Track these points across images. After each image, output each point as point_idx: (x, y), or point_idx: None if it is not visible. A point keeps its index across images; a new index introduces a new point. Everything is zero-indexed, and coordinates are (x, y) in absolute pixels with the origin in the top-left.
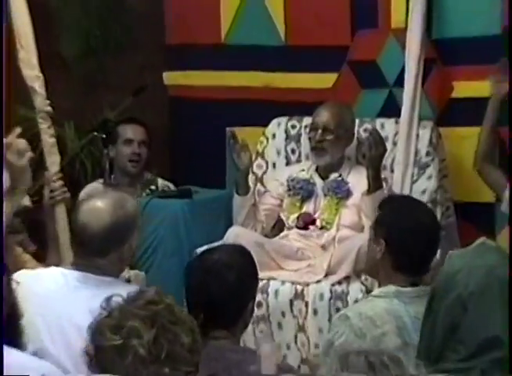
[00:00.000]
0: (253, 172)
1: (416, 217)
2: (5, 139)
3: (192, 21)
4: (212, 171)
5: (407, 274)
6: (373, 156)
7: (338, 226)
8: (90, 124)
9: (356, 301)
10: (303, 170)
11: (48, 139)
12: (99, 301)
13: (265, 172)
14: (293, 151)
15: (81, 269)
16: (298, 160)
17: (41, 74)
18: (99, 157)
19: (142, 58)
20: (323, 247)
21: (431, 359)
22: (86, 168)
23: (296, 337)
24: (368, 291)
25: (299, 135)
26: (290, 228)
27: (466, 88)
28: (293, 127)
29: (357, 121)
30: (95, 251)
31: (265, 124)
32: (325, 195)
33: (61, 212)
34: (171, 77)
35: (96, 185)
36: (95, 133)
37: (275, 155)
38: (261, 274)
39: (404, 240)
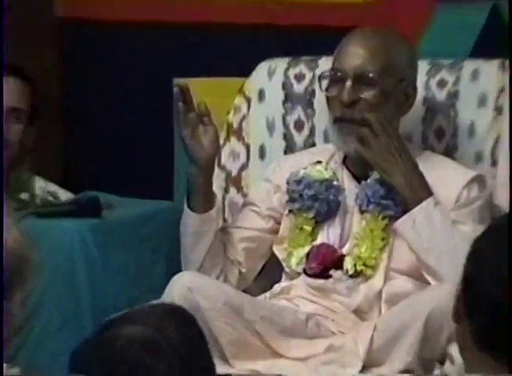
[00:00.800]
0: (220, 167)
1: None
2: None
3: None
4: (144, 167)
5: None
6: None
7: (387, 272)
8: None
9: None
10: (318, 162)
11: None
12: None
13: (244, 167)
14: (298, 126)
15: None
16: (309, 144)
17: None
18: None
19: None
20: (358, 314)
21: None
22: None
23: None
24: None
25: (310, 92)
26: (292, 275)
27: None
28: (300, 77)
29: (424, 64)
30: None
31: (245, 73)
32: (361, 211)
33: None
34: None
35: None
36: None
37: (265, 133)
38: (235, 368)
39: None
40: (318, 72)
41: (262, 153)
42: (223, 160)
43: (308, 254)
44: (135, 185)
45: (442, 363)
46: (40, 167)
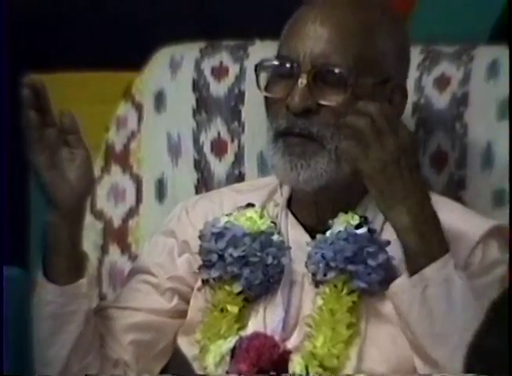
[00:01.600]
0: (95, 213)
1: None
2: None
3: None
4: None
5: None
6: (376, 163)
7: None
8: None
9: None
10: (250, 206)
11: None
12: None
13: (132, 213)
14: (218, 148)
15: None
16: (234, 177)
17: None
18: None
19: None
20: None
21: None
22: None
23: None
24: None
25: (237, 96)
26: None
27: None
28: (220, 72)
29: (415, 52)
30: None
31: (133, 65)
32: (316, 282)
33: None
34: None
35: None
36: None
37: (165, 159)
38: None
39: None
40: (248, 64)
41: (161, 192)
42: (99, 203)
43: (233, 351)
44: None
45: None
46: None
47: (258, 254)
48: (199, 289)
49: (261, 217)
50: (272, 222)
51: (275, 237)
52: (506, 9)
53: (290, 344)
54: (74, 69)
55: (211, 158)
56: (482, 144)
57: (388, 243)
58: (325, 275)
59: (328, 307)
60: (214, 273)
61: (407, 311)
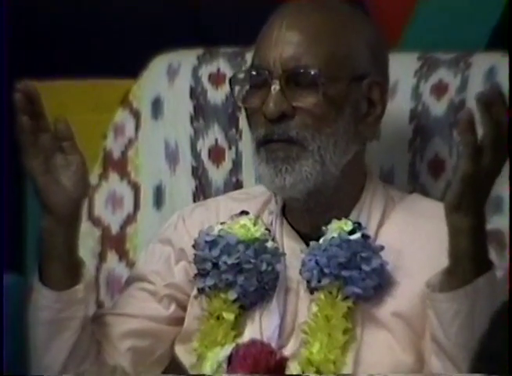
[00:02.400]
0: (92, 219)
1: None
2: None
3: None
4: None
5: None
6: (485, 169)
7: None
8: None
9: None
10: (244, 213)
11: None
12: None
13: (129, 220)
14: (215, 155)
15: None
16: (232, 184)
17: None
18: None
19: None
20: None
21: None
22: None
23: None
24: None
25: (235, 103)
26: None
27: None
28: (218, 79)
29: (412, 59)
30: None
31: (131, 72)
32: (311, 289)
33: None
34: None
35: None
36: None
37: (163, 166)
38: None
39: None
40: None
41: (159, 199)
42: (97, 210)
43: (230, 358)
44: None
45: None
46: None
47: (252, 261)
48: (195, 297)
49: (255, 224)
50: (267, 229)
51: (270, 244)
52: (504, 17)
53: (286, 351)
54: (72, 77)
55: (209, 165)
56: None
57: (382, 248)
58: (319, 281)
59: (323, 313)
60: (209, 281)
61: (450, 320)
